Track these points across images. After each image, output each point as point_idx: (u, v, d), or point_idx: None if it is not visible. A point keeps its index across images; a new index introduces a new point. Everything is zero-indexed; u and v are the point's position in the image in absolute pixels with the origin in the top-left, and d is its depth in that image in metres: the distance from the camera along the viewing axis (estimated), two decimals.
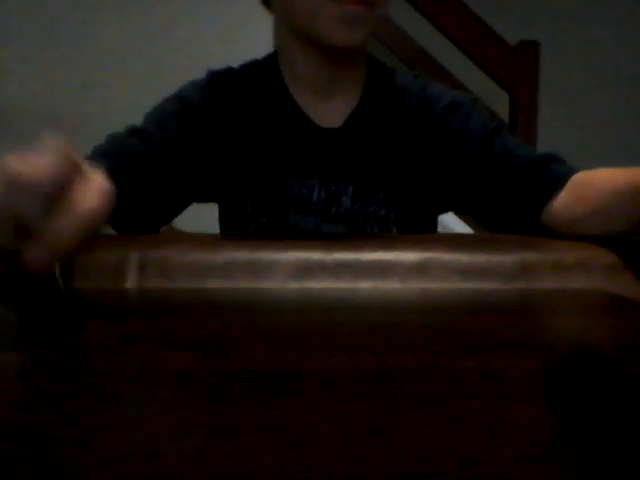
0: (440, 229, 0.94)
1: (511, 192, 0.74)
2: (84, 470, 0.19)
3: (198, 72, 0.83)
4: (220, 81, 0.80)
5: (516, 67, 1.95)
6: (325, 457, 0.20)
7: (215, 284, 0.60)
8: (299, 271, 0.59)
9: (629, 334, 0.42)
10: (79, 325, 0.44)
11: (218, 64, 0.83)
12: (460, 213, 0.86)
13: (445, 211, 0.88)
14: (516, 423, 0.23)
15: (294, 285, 0.58)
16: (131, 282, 0.61)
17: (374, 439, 0.21)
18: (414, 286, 0.58)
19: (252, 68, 0.82)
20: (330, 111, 0.79)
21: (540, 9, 2.39)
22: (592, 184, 0.67)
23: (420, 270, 0.59)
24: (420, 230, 0.84)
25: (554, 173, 0.72)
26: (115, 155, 0.71)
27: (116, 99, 1.87)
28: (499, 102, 2.01)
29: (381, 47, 1.99)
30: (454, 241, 0.62)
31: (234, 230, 0.82)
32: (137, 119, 0.78)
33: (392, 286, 0.58)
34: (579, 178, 0.70)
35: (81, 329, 0.42)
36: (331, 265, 0.59)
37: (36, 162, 0.39)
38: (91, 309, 0.50)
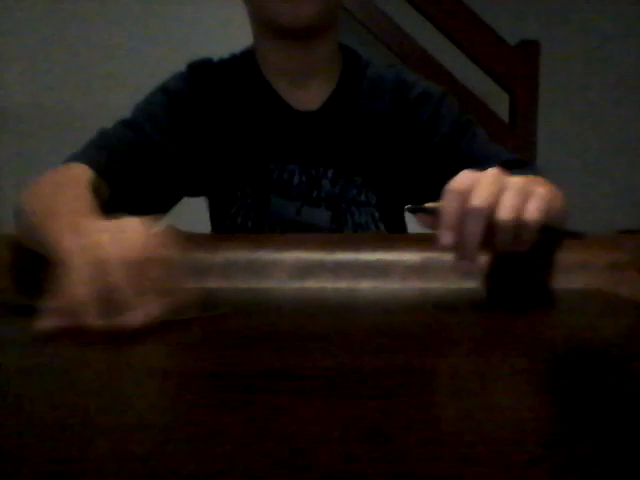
0: None
1: None
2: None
3: None
4: (201, 71, 0.82)
5: (516, 67, 1.95)
6: (325, 457, 0.20)
7: (215, 284, 0.60)
8: (299, 271, 0.59)
9: (629, 334, 0.42)
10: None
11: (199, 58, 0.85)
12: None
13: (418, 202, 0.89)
14: (516, 423, 0.23)
15: (294, 285, 0.58)
16: None
17: (374, 439, 0.21)
18: (414, 286, 0.58)
19: (231, 61, 0.84)
20: (307, 97, 0.81)
21: (540, 9, 2.39)
22: None
23: (420, 270, 0.59)
24: (400, 216, 0.85)
25: None
26: (107, 148, 0.73)
27: (116, 99, 1.87)
28: (499, 102, 2.01)
29: (381, 47, 1.98)
30: None
31: (224, 220, 0.83)
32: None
33: (392, 286, 0.58)
34: None
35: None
36: (331, 265, 0.59)
37: (125, 242, 0.42)
38: None
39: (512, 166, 0.75)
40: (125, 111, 0.82)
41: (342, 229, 0.80)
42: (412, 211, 0.49)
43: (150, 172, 0.75)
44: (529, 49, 1.96)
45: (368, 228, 0.81)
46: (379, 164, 0.81)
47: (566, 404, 0.26)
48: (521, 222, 0.46)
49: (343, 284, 0.58)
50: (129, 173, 0.72)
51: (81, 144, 0.76)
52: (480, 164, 0.76)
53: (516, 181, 0.47)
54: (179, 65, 0.85)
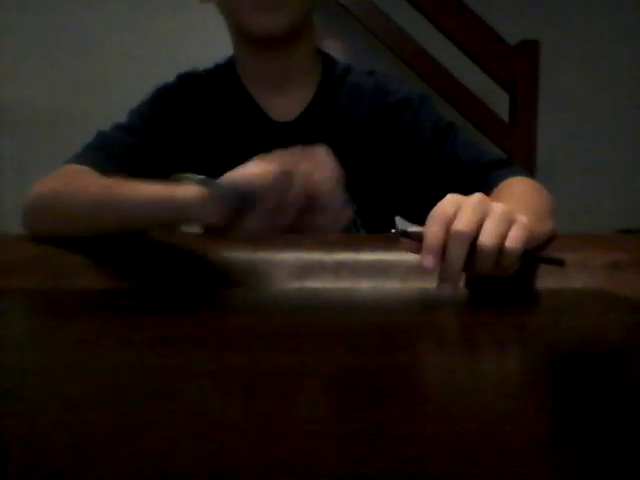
0: None
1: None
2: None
3: None
4: (187, 82, 0.84)
5: (516, 67, 1.95)
6: (325, 457, 0.20)
7: (216, 284, 0.60)
8: (299, 271, 0.59)
9: (629, 334, 0.42)
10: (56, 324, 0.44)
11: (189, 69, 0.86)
12: (403, 216, 0.88)
13: (397, 212, 0.89)
14: (516, 423, 0.23)
15: (294, 285, 0.58)
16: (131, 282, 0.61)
17: (374, 439, 0.21)
18: (414, 286, 0.58)
19: (214, 71, 0.86)
20: (286, 106, 0.82)
21: (540, 9, 2.39)
22: (499, 197, 0.67)
23: (420, 270, 0.59)
24: (382, 222, 0.86)
25: (489, 180, 0.74)
26: (106, 150, 0.75)
27: (117, 99, 1.87)
28: (499, 102, 2.01)
29: (381, 47, 1.98)
30: None
31: None
32: None
33: (392, 286, 0.58)
34: (499, 189, 0.71)
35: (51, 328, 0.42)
36: (331, 265, 0.59)
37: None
38: (89, 308, 0.50)
39: (495, 167, 0.76)
40: (124, 111, 0.82)
41: None
42: (396, 236, 0.49)
43: (147, 174, 0.75)
44: (529, 49, 1.96)
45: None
46: (359, 171, 0.81)
47: (565, 404, 0.26)
48: (502, 249, 0.46)
49: (343, 284, 0.58)
50: (128, 174, 0.73)
51: (80, 144, 0.76)
52: (463, 167, 0.77)
53: (500, 208, 0.48)
54: (180, 66, 0.86)
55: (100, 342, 0.38)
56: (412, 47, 1.96)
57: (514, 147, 1.92)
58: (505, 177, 0.72)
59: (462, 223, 0.46)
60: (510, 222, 0.47)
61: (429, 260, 0.46)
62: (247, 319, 0.46)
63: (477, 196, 0.48)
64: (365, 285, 0.58)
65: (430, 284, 0.58)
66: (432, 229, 0.46)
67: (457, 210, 0.47)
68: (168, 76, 0.85)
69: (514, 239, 0.47)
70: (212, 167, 0.82)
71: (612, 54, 2.47)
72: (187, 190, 0.52)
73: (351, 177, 0.82)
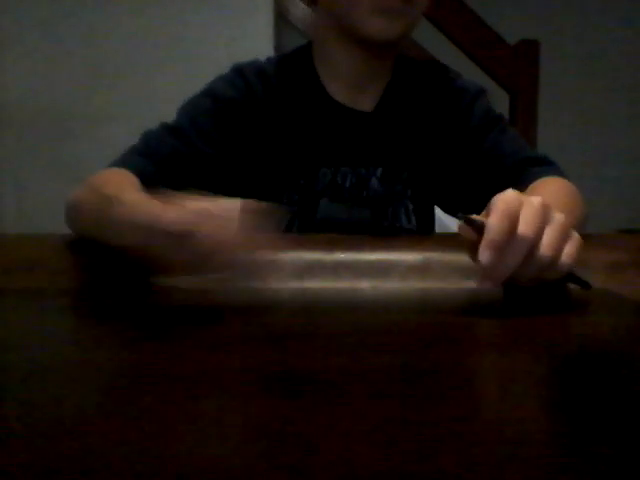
0: (439, 229, 0.94)
1: (487, 188, 0.76)
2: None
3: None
4: (249, 74, 0.81)
5: (516, 67, 1.95)
6: (325, 457, 0.20)
7: (215, 283, 0.60)
8: (299, 271, 0.59)
9: (629, 334, 0.42)
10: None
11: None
12: (442, 207, 0.88)
13: (436, 200, 0.89)
14: (516, 423, 0.23)
15: (294, 285, 0.58)
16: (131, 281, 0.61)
17: (375, 439, 0.21)
18: (414, 286, 0.58)
19: (282, 62, 0.83)
20: (363, 99, 0.81)
21: (540, 9, 2.39)
22: (533, 193, 0.67)
23: (420, 270, 0.59)
24: (426, 210, 0.86)
25: (526, 176, 0.73)
26: (151, 155, 0.73)
27: (117, 99, 1.87)
28: (499, 102, 2.01)
29: None
30: (454, 241, 0.62)
31: None
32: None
33: (392, 286, 0.58)
34: (534, 185, 0.71)
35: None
36: (331, 265, 0.59)
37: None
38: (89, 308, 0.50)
39: (535, 163, 0.76)
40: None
41: (381, 223, 0.81)
42: (460, 219, 0.47)
43: (194, 180, 0.74)
44: (529, 49, 1.96)
45: (401, 221, 0.82)
46: (423, 160, 0.82)
47: (566, 404, 0.26)
48: (556, 262, 0.45)
49: (343, 284, 0.58)
50: (173, 181, 0.72)
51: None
52: (504, 158, 0.77)
53: (562, 218, 0.46)
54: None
55: (100, 342, 0.38)
56: (413, 47, 1.96)
57: None
58: (543, 175, 0.72)
59: (530, 227, 0.44)
60: (567, 236, 0.46)
61: (488, 256, 0.43)
62: (247, 319, 0.46)
63: (539, 199, 0.46)
64: (365, 285, 0.58)
65: (430, 284, 0.58)
66: (498, 224, 0.43)
67: (520, 208, 0.45)
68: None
69: (569, 256, 0.46)
70: (280, 163, 0.81)
71: (612, 54, 2.47)
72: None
73: (417, 165, 0.83)
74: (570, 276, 0.49)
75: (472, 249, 0.47)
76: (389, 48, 0.77)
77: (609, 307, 0.52)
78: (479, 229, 0.45)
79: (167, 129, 0.76)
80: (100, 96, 1.99)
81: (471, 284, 0.55)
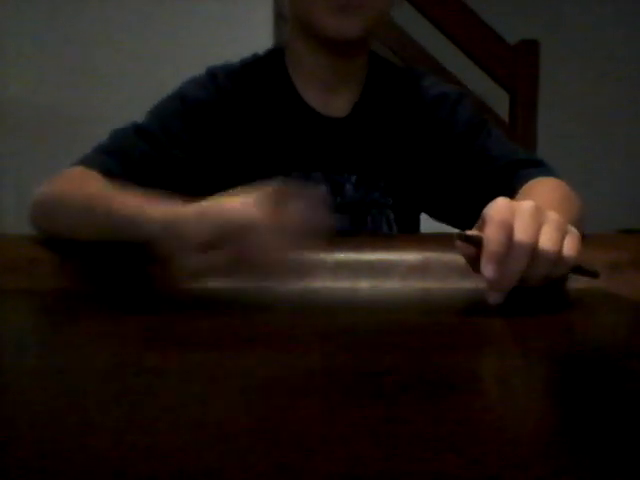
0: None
1: (478, 193, 0.76)
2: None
3: (199, 71, 0.83)
4: (221, 77, 0.80)
5: (516, 66, 1.95)
6: (325, 457, 0.20)
7: (215, 283, 0.60)
8: (299, 271, 0.59)
9: (629, 334, 0.42)
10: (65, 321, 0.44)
11: (219, 63, 0.83)
12: (430, 214, 0.87)
13: (424, 208, 0.88)
14: (516, 423, 0.23)
15: (294, 285, 0.58)
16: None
17: (374, 439, 0.21)
18: (414, 286, 0.58)
19: (254, 64, 0.82)
20: (334, 103, 0.80)
21: (540, 9, 2.39)
22: (526, 195, 0.67)
23: (420, 270, 0.59)
24: (410, 219, 0.85)
25: (518, 178, 0.73)
26: (121, 157, 0.71)
27: (117, 99, 1.87)
28: (499, 101, 2.01)
29: (381, 47, 1.99)
30: (454, 241, 0.62)
31: None
32: (139, 118, 0.78)
33: (392, 286, 0.58)
34: (526, 187, 0.70)
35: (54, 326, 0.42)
36: (331, 265, 0.59)
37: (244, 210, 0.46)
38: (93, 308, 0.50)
39: (526, 165, 0.75)
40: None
41: (361, 231, 0.80)
42: (457, 238, 0.47)
43: (161, 182, 0.72)
44: (529, 49, 1.96)
45: (382, 230, 0.81)
46: (401, 168, 0.81)
47: (566, 404, 0.26)
48: (560, 257, 0.45)
49: (343, 284, 0.58)
50: (140, 183, 0.71)
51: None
52: (493, 162, 0.77)
53: (555, 216, 0.47)
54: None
55: (100, 342, 0.38)
56: (412, 47, 1.96)
57: None
58: (534, 176, 0.72)
59: (526, 233, 0.44)
60: (565, 231, 0.47)
61: (491, 269, 0.43)
62: (247, 319, 0.46)
63: (531, 203, 0.46)
64: (365, 285, 0.58)
65: (430, 284, 0.58)
66: (495, 236, 0.44)
67: (513, 216, 0.45)
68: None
69: (571, 248, 0.46)
70: (252, 167, 0.80)
71: (612, 54, 2.47)
72: (155, 219, 0.50)
73: (394, 173, 0.82)
74: (577, 268, 0.49)
75: (473, 264, 0.47)
76: (353, 48, 0.76)
77: (609, 307, 0.52)
78: (477, 243, 0.45)
79: (136, 130, 0.75)
80: (100, 96, 1.99)
81: (471, 284, 0.55)
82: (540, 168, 0.75)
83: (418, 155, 0.82)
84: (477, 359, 0.35)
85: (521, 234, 0.44)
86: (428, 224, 0.89)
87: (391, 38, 1.96)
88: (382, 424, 0.23)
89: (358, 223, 0.79)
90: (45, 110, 2.01)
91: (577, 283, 0.56)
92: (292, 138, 0.79)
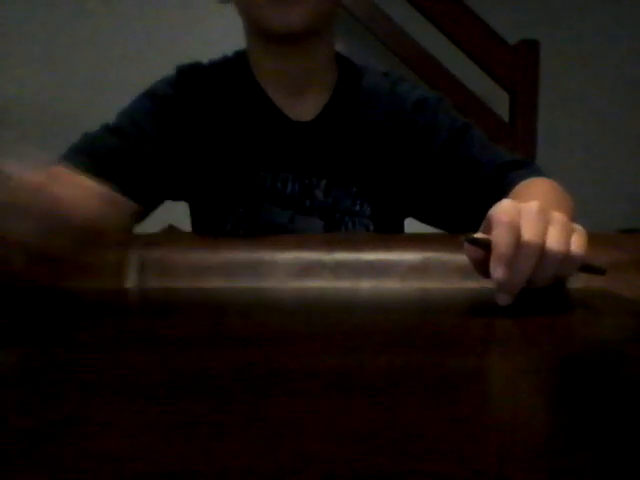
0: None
1: (467, 198, 0.76)
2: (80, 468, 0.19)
3: None
4: (190, 75, 0.81)
5: (516, 67, 1.95)
6: (325, 457, 0.20)
7: (215, 283, 0.60)
8: (299, 271, 0.59)
9: (629, 334, 0.42)
10: (75, 324, 0.44)
11: (187, 62, 0.84)
12: (418, 219, 0.86)
13: (410, 213, 0.87)
14: (515, 423, 0.23)
15: (294, 285, 0.58)
16: (131, 281, 0.61)
17: (374, 439, 0.21)
18: (414, 286, 0.58)
19: (223, 64, 0.83)
20: (302, 106, 0.80)
21: (540, 9, 2.39)
22: (522, 196, 0.67)
23: (420, 270, 0.59)
24: (393, 227, 0.84)
25: (507, 180, 0.72)
26: (91, 153, 0.72)
27: (116, 99, 1.88)
28: (499, 102, 2.01)
29: (381, 47, 1.99)
30: (454, 241, 0.62)
31: (210, 225, 0.82)
32: None
33: (392, 286, 0.58)
34: (519, 188, 0.70)
35: (77, 328, 0.42)
36: (331, 265, 0.59)
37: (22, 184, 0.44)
38: (90, 308, 0.50)
39: (514, 167, 0.75)
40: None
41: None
42: (464, 241, 0.47)
43: (132, 178, 0.73)
44: (529, 49, 1.97)
45: None
46: (375, 175, 0.80)
47: (566, 404, 0.26)
48: (568, 256, 0.46)
49: (343, 284, 0.58)
50: (114, 178, 0.71)
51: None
52: (481, 167, 0.76)
53: (561, 216, 0.47)
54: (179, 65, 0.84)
55: (99, 342, 0.38)
56: (413, 47, 1.96)
57: (514, 147, 1.92)
58: (524, 177, 0.71)
59: (534, 234, 0.44)
60: (571, 230, 0.47)
61: (500, 271, 0.44)
62: (247, 319, 0.46)
63: (536, 203, 0.46)
64: (365, 285, 0.58)
65: (430, 284, 0.58)
66: (504, 238, 0.44)
67: (520, 217, 0.45)
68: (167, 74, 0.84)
69: (579, 246, 0.46)
70: (221, 165, 0.80)
71: (612, 54, 2.47)
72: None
73: (367, 179, 0.81)
74: (584, 266, 0.49)
75: (480, 267, 0.47)
76: (299, 40, 0.74)
77: (609, 307, 0.52)
78: (485, 246, 0.45)
79: (107, 129, 0.76)
80: (100, 96, 1.99)
81: (471, 284, 0.55)
82: (528, 169, 0.74)
83: (397, 162, 0.80)
84: (477, 359, 0.35)
85: (529, 235, 0.44)
86: (412, 229, 0.89)
87: (391, 38, 1.96)
88: (382, 424, 0.23)
89: (331, 230, 0.78)
90: (45, 110, 2.01)
91: (576, 283, 0.56)
92: (260, 139, 0.79)
